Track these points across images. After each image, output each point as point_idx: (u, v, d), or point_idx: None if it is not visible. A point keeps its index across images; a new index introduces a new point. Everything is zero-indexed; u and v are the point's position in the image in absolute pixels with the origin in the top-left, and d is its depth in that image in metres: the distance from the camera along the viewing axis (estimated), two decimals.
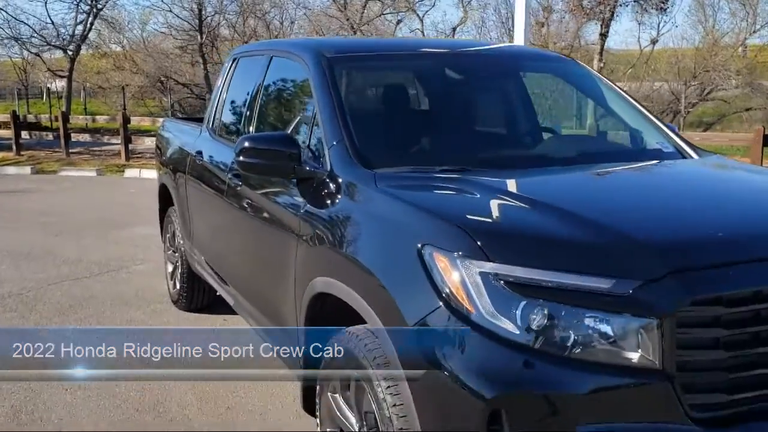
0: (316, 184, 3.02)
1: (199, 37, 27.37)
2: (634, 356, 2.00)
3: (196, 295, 5.44)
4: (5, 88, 37.19)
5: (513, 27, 29.98)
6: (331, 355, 2.73)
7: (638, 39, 33.11)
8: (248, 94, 4.15)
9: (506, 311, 2.06)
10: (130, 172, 14.89)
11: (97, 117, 21.96)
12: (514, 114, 3.84)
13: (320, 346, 2.85)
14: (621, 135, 3.77)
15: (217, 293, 4.83)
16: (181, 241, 5.33)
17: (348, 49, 3.73)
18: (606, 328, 2.02)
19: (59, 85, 31.92)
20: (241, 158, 3.11)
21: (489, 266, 2.10)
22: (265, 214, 3.47)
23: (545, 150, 3.46)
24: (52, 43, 28.38)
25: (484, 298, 2.08)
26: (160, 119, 17.78)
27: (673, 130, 3.63)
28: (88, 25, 28.49)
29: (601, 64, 23.34)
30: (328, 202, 2.88)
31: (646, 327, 2.00)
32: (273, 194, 3.40)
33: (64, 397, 4.06)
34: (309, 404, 3.05)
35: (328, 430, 2.79)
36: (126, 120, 16.38)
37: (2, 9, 27.19)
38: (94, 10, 28.13)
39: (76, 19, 28.25)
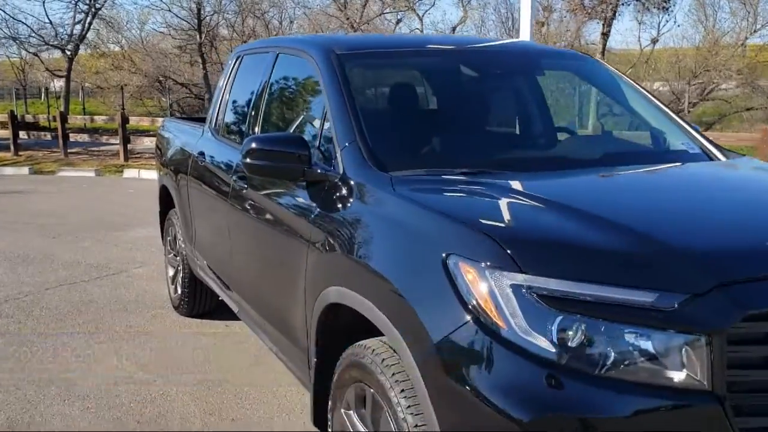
0: (328, 188, 2.86)
1: (198, 36, 27.19)
2: (680, 376, 1.85)
3: (198, 301, 5.28)
4: (3, 88, 37.05)
5: (513, 26, 29.94)
6: (344, 369, 2.58)
7: (638, 38, 32.99)
8: (253, 93, 3.99)
9: (540, 327, 1.90)
10: (128, 173, 14.74)
11: (96, 117, 21.82)
12: (532, 113, 3.67)
13: (333, 359, 2.71)
14: (642, 135, 3.61)
15: (220, 298, 4.68)
16: (183, 245, 5.17)
17: (359, 46, 3.55)
18: (649, 346, 1.86)
19: (58, 85, 31.72)
20: (247, 160, 2.96)
21: (521, 278, 1.94)
22: (273, 219, 3.31)
23: (566, 151, 3.27)
24: (51, 43, 28.26)
25: (516, 313, 1.92)
26: (159, 119, 17.69)
27: (696, 131, 3.47)
28: (87, 25, 28.37)
29: None
30: (341, 206, 2.72)
31: (692, 344, 1.84)
32: (281, 198, 3.24)
33: (62, 408, 3.90)
34: (319, 419, 2.89)
35: None
36: (124, 120, 16.23)
37: (0, 8, 27.04)
38: (93, 9, 28.02)
39: (74, 19, 28.15)
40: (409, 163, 2.78)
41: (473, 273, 2.00)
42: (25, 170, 15.25)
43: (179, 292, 5.36)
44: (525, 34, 8.97)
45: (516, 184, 2.52)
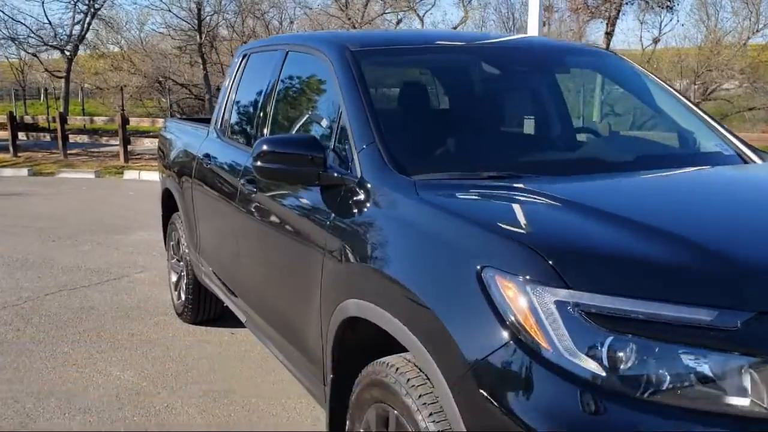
0: (344, 192, 2.68)
1: (198, 37, 27.03)
2: (744, 402, 1.67)
3: (203, 308, 5.11)
4: (2, 89, 36.89)
5: (514, 26, 29.79)
6: (364, 387, 2.42)
7: (640, 38, 32.85)
8: (261, 92, 3.81)
9: (588, 348, 1.72)
10: (129, 174, 14.57)
11: (95, 118, 21.64)
12: (556, 113, 3.49)
13: (350, 376, 2.54)
14: (667, 136, 3.44)
15: (224, 305, 4.51)
16: (187, 250, 5.00)
17: (374, 42, 3.37)
18: (707, 369, 1.69)
19: (57, 85, 31.54)
20: (258, 163, 2.79)
21: (567, 294, 1.77)
22: (284, 225, 3.14)
23: (597, 153, 3.08)
24: (50, 44, 28.10)
25: (562, 332, 1.75)
26: (160, 120, 17.53)
27: (728, 131, 3.29)
28: (86, 25, 28.22)
29: None
30: (360, 212, 2.55)
31: (758, 367, 1.67)
32: (293, 202, 3.07)
33: (62, 422, 3.73)
34: None
35: None
36: (125, 121, 16.07)
37: None
38: (92, 9, 27.86)
39: (73, 19, 27.99)
40: (432, 167, 2.59)
41: (512, 288, 1.83)
42: (24, 172, 15.08)
43: (183, 298, 5.19)
44: (533, 33, 8.84)
45: (551, 190, 2.33)
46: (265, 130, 3.61)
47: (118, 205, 10.85)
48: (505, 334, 1.81)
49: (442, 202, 2.31)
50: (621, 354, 1.71)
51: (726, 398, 1.68)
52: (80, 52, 29.77)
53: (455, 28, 30.17)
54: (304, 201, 2.97)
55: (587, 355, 1.72)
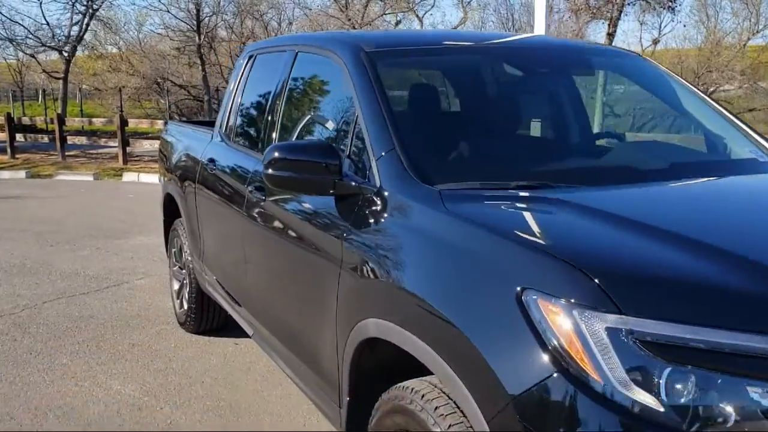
0: (362, 203, 2.51)
1: (196, 38, 26.83)
2: None
3: (206, 317, 4.94)
4: (0, 91, 36.64)
5: (513, 27, 29.71)
6: (385, 414, 2.25)
7: (640, 39, 32.72)
8: (269, 95, 3.64)
9: (645, 380, 1.56)
10: (128, 176, 14.39)
11: (94, 119, 21.47)
12: (586, 117, 3.32)
13: (369, 398, 2.38)
14: (696, 139, 3.27)
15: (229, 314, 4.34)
16: (190, 258, 4.83)
17: (390, 43, 3.20)
18: None
19: (55, 86, 31.34)
20: (269, 171, 2.62)
21: (619, 320, 1.60)
22: (295, 235, 2.97)
23: (628, 160, 2.88)
24: (48, 45, 27.89)
25: (614, 363, 1.58)
26: (159, 121, 17.38)
27: (762, 137, 3.13)
28: (84, 26, 28.02)
29: None
30: (380, 225, 2.38)
31: None
32: (305, 212, 2.91)
33: None
34: None
35: None
36: (123, 122, 15.91)
37: None
38: (90, 10, 27.66)
39: (71, 20, 27.78)
40: (456, 175, 2.42)
41: (557, 312, 1.66)
42: (21, 174, 14.90)
43: (185, 307, 5.02)
44: (539, 33, 8.68)
45: (590, 201, 2.16)
46: (274, 135, 3.44)
47: (118, 208, 10.68)
48: (551, 364, 1.64)
49: (473, 215, 2.13)
50: (680, 387, 1.55)
51: None
52: (78, 53, 29.57)
53: (455, 29, 30.03)
54: (317, 210, 2.81)
55: (642, 388, 1.56)
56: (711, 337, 1.56)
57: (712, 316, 1.60)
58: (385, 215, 2.38)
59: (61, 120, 17.28)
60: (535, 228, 2.03)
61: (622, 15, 24.10)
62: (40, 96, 35.15)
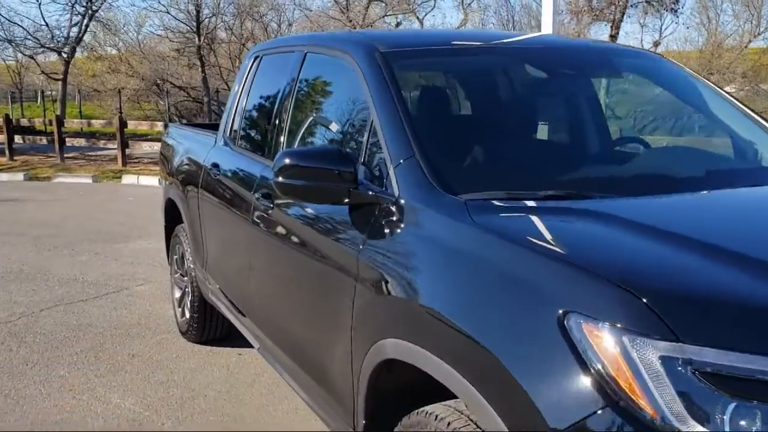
0: (378, 213, 2.36)
1: (196, 39, 26.68)
2: None
3: (209, 326, 4.78)
4: None
5: (513, 29, 29.59)
6: None
7: (641, 42, 32.59)
8: (276, 98, 3.49)
9: (704, 416, 1.41)
10: (127, 179, 14.25)
11: (93, 121, 21.31)
12: (605, 122, 3.15)
13: (388, 424, 2.23)
14: (724, 143, 3.11)
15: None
16: (192, 266, 4.67)
17: (406, 43, 3.04)
18: None
19: (54, 88, 31.18)
20: (280, 179, 2.46)
21: (675, 348, 1.45)
22: (306, 246, 2.81)
23: (661, 167, 2.68)
24: (47, 46, 27.74)
25: (670, 396, 1.43)
26: (159, 123, 17.23)
27: None
28: (83, 27, 27.88)
29: None
30: (399, 237, 2.22)
31: None
32: (317, 222, 2.75)
33: None
34: None
35: None
36: (122, 124, 15.76)
37: None
38: (90, 11, 27.52)
39: (71, 21, 27.64)
40: (481, 184, 2.24)
41: (604, 339, 1.50)
42: (20, 176, 14.75)
43: (187, 316, 4.87)
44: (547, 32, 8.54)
45: (630, 213, 2.00)
46: (282, 140, 3.29)
47: (117, 212, 10.53)
48: (599, 397, 1.48)
49: (504, 228, 1.97)
50: (745, 424, 1.39)
51: None
52: (77, 54, 29.41)
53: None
54: (330, 220, 2.65)
55: (702, 423, 1.40)
56: None
57: None
58: (405, 227, 2.22)
59: (60, 121, 17.14)
60: (575, 243, 1.85)
61: (625, 17, 23.96)
62: (38, 97, 34.98)
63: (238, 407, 3.94)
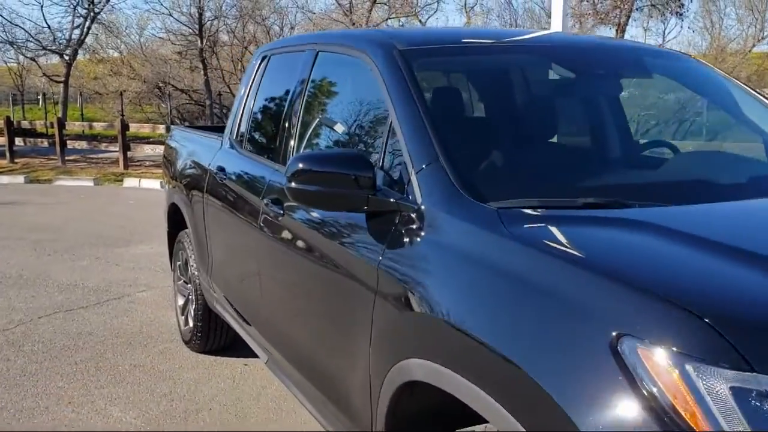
0: (399, 221, 2.20)
1: (198, 42, 26.56)
2: None
3: (213, 336, 4.62)
4: (0, 94, 36.35)
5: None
6: None
7: None
8: (286, 100, 3.33)
9: None
10: (129, 182, 14.10)
11: (94, 123, 21.16)
12: (628, 124, 2.99)
13: None
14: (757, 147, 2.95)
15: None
16: (196, 273, 4.51)
17: (426, 41, 2.88)
18: None
19: (56, 90, 31.05)
20: (293, 185, 2.30)
21: (748, 378, 1.29)
22: (319, 255, 2.65)
23: (700, 173, 2.52)
24: (49, 48, 27.60)
25: (742, 429, 1.27)
26: (161, 126, 17.11)
27: None
28: (85, 30, 27.73)
29: None
30: (424, 249, 2.06)
31: None
32: (332, 230, 2.59)
33: None
34: None
35: None
36: (124, 126, 15.60)
37: None
38: (92, 14, 27.38)
39: (73, 24, 27.49)
40: (512, 191, 2.08)
41: (665, 366, 1.35)
42: (20, 179, 14.61)
43: (191, 325, 4.70)
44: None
45: (678, 223, 1.84)
46: (292, 143, 3.13)
47: (118, 215, 10.37)
48: (655, 427, 1.32)
49: (543, 240, 1.80)
50: None
51: None
52: (79, 57, 29.27)
53: None
54: (346, 228, 2.49)
55: None
56: None
57: None
58: (430, 237, 2.06)
59: (62, 124, 16.99)
60: (625, 258, 1.68)
61: (630, 21, 23.84)
62: (40, 100, 34.87)
63: (244, 422, 3.77)
